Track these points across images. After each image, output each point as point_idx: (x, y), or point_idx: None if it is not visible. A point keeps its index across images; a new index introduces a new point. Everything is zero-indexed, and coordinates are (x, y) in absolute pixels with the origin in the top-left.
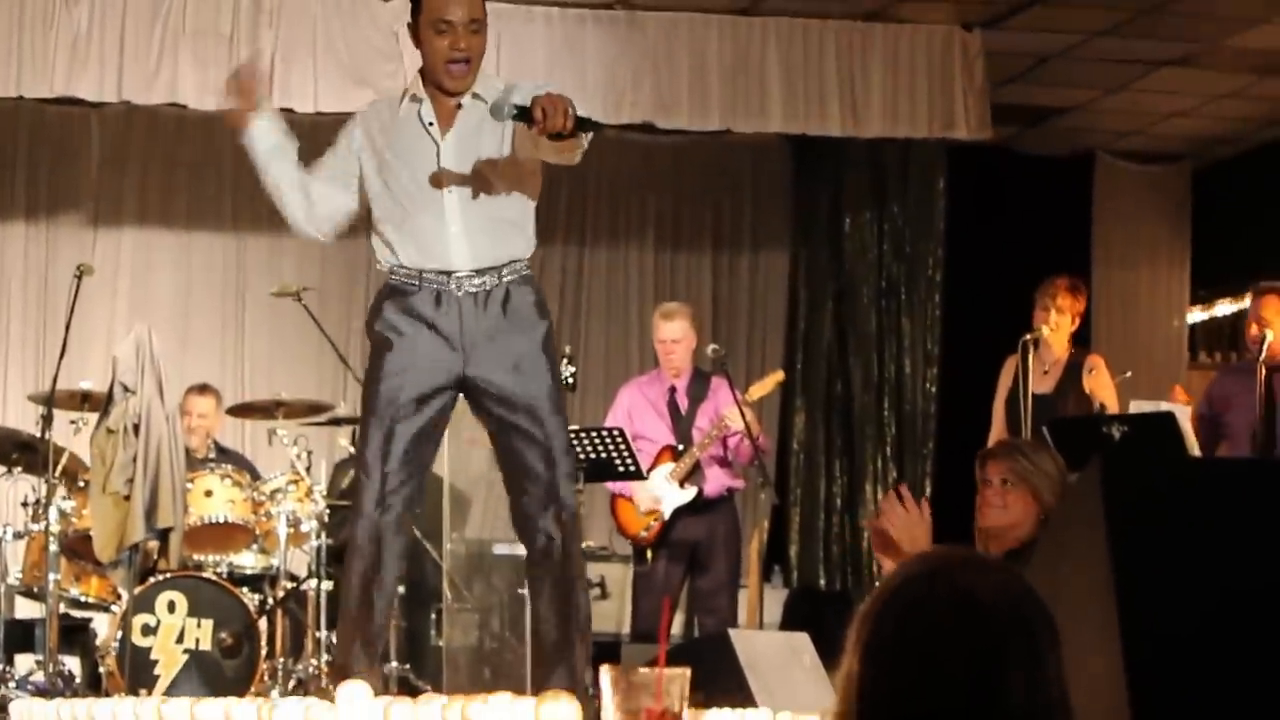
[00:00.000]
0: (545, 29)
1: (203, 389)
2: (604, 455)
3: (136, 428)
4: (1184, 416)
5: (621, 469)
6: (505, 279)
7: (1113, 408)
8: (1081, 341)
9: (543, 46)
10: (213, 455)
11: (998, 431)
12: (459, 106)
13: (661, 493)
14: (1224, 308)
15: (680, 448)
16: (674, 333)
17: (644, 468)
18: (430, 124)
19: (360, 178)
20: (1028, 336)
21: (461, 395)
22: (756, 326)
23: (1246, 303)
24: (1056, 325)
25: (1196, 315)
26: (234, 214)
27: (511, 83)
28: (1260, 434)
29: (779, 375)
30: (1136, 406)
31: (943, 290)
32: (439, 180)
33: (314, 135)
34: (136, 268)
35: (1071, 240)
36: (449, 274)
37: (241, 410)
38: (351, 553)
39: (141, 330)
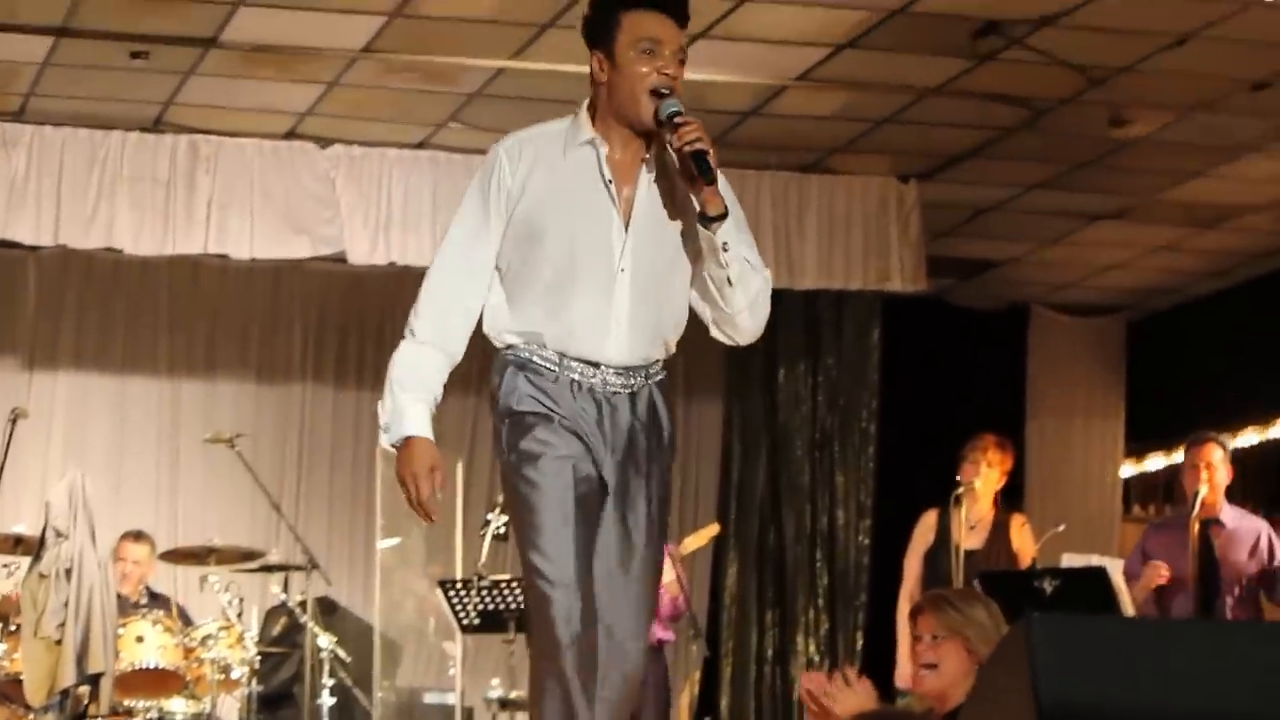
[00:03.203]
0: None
1: (136, 536)
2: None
3: (69, 572)
4: (1116, 571)
5: None
6: (652, 379)
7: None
8: (1015, 492)
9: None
10: (144, 600)
11: (911, 586)
12: (642, 162)
13: None
14: (1158, 460)
15: None
16: None
17: None
18: (609, 181)
19: (501, 235)
20: (957, 491)
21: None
22: (690, 477)
23: (1181, 455)
24: (984, 482)
25: (1131, 468)
26: (169, 359)
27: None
28: (1196, 588)
29: (714, 528)
30: (1069, 560)
31: (877, 442)
32: (614, 256)
33: (249, 280)
34: (71, 412)
35: (1006, 392)
36: (596, 365)
37: (174, 556)
38: (547, 694)
39: (75, 476)
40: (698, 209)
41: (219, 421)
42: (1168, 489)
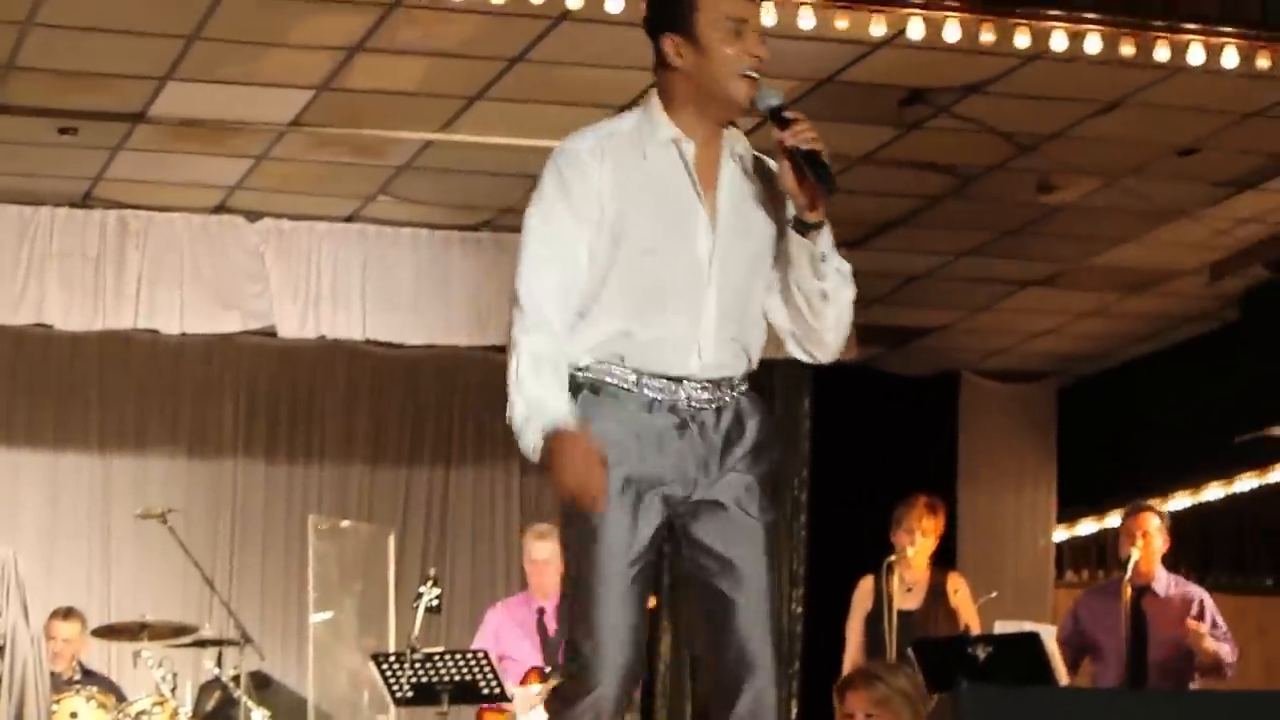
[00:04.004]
0: (411, 251)
1: (67, 613)
2: (468, 678)
3: (1, 650)
4: (1049, 637)
5: (486, 691)
6: (736, 394)
7: (976, 627)
8: (946, 559)
9: (409, 268)
10: (78, 677)
11: (854, 652)
12: (724, 159)
13: (527, 715)
14: (1091, 525)
15: (548, 670)
16: (544, 553)
17: (509, 688)
18: (697, 184)
19: (590, 242)
20: (890, 558)
21: None
22: None
23: (1113, 520)
24: (918, 545)
25: (1063, 533)
26: (100, 434)
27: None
28: (1129, 655)
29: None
30: (1001, 626)
31: (809, 510)
32: (702, 266)
33: (179, 354)
34: (2, 488)
35: (937, 459)
36: (679, 381)
37: (107, 632)
38: None
39: (5, 553)
40: (796, 213)
41: (151, 496)
42: (1100, 554)
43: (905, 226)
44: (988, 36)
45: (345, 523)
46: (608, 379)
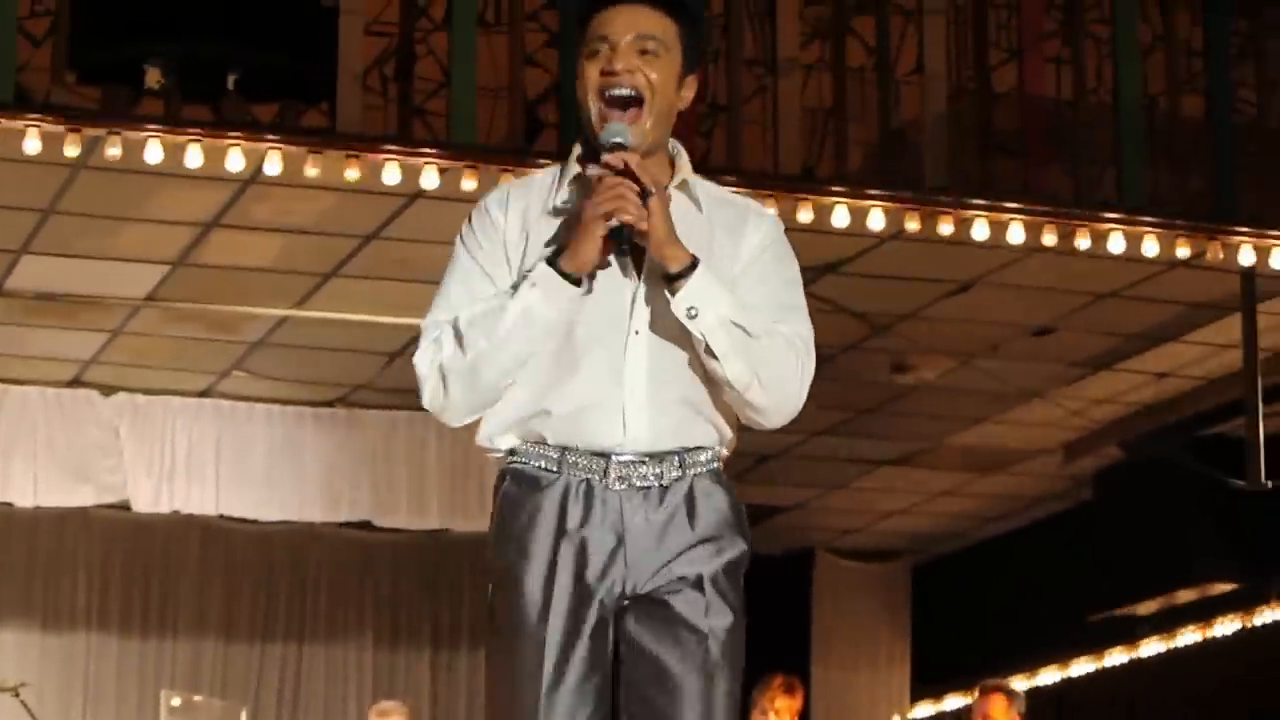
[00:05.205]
0: (265, 427)
1: None
2: None
3: None
4: None
5: None
6: (689, 471)
7: None
8: None
9: (263, 444)
10: None
11: None
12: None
13: None
14: (953, 701)
15: None
16: None
17: None
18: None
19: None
20: None
21: None
22: None
23: (966, 699)
24: None
25: (923, 709)
26: None
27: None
28: None
29: None
30: None
31: None
32: (624, 313)
33: (33, 527)
34: None
35: (790, 638)
36: (608, 457)
37: None
38: None
39: None
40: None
41: (3, 669)
42: None
43: None
44: (842, 218)
45: (198, 698)
46: (530, 465)
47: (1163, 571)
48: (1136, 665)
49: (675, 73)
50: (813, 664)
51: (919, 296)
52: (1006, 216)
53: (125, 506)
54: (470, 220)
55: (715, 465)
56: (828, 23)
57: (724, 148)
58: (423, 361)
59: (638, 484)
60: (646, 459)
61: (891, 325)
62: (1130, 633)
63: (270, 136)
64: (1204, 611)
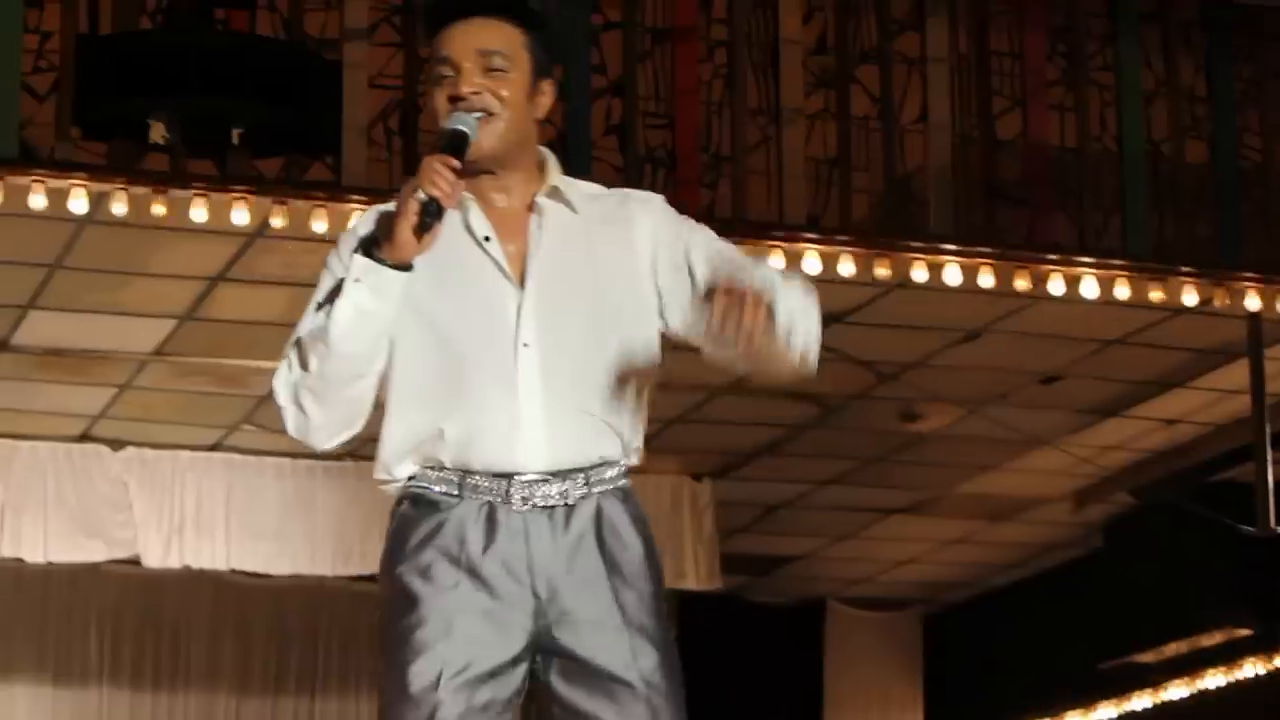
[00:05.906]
0: (276, 480)
1: None
2: None
3: None
4: None
5: None
6: (595, 489)
7: None
8: None
9: (274, 497)
10: None
11: None
12: (529, 209)
13: None
14: None
15: None
16: None
17: None
18: (486, 238)
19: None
20: None
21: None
22: None
23: None
24: None
25: None
26: None
27: (626, 191)
28: None
29: None
30: None
31: None
32: (510, 328)
33: (44, 583)
34: None
35: (803, 688)
36: (509, 478)
37: None
38: None
39: None
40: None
41: None
42: None
43: (769, 455)
44: (848, 268)
45: None
46: (430, 490)
47: (1174, 618)
48: (1149, 712)
49: (525, 85)
50: (825, 714)
51: (926, 345)
52: (1012, 264)
53: (136, 561)
54: (337, 244)
55: (623, 482)
56: (831, 72)
57: (729, 198)
58: (279, 387)
59: (541, 504)
60: (550, 477)
61: (899, 374)
62: (1142, 680)
63: (275, 191)
64: (1216, 658)
